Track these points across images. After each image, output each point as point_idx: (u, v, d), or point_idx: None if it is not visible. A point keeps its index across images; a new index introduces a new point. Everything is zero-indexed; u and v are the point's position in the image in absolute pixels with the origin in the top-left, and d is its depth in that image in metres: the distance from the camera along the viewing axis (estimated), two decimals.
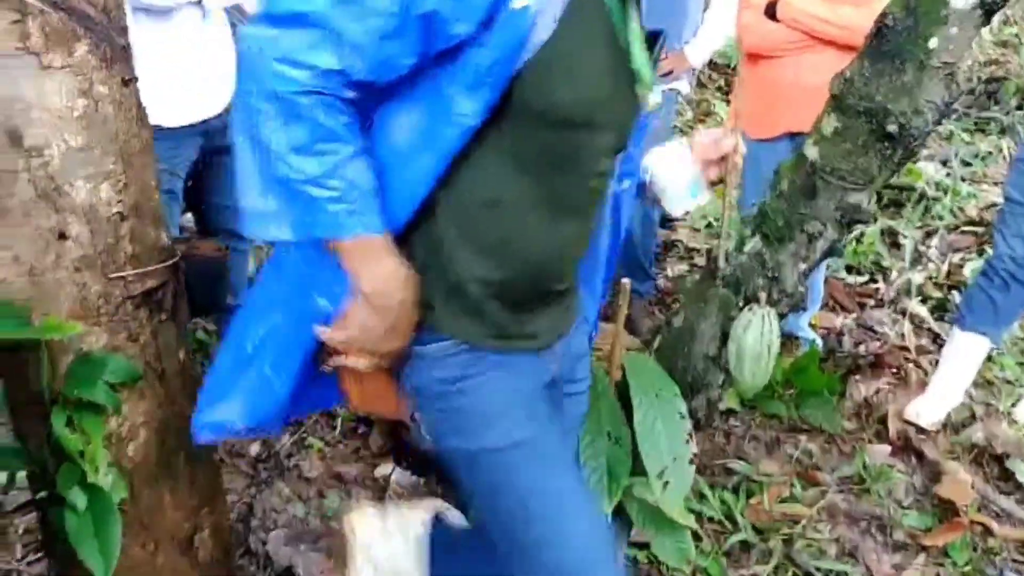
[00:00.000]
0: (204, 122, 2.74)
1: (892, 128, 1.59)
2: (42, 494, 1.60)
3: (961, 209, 4.69)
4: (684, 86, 3.55)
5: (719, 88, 6.07)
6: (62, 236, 1.48)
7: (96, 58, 1.44)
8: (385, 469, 2.85)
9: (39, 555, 2.41)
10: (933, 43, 1.57)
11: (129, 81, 1.52)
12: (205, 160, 2.82)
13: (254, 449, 2.90)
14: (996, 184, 4.88)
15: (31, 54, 1.38)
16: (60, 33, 1.39)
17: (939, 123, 1.48)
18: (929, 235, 4.45)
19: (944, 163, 5.03)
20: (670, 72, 3.39)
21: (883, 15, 1.62)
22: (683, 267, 4.25)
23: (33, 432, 1.61)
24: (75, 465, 1.54)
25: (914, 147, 1.63)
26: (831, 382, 3.21)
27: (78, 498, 1.52)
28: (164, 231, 1.63)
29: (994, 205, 4.61)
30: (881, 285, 4.14)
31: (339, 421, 3.04)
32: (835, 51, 2.98)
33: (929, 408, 3.05)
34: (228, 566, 1.88)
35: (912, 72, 1.59)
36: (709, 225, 4.45)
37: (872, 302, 4.03)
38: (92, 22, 1.43)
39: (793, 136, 3.09)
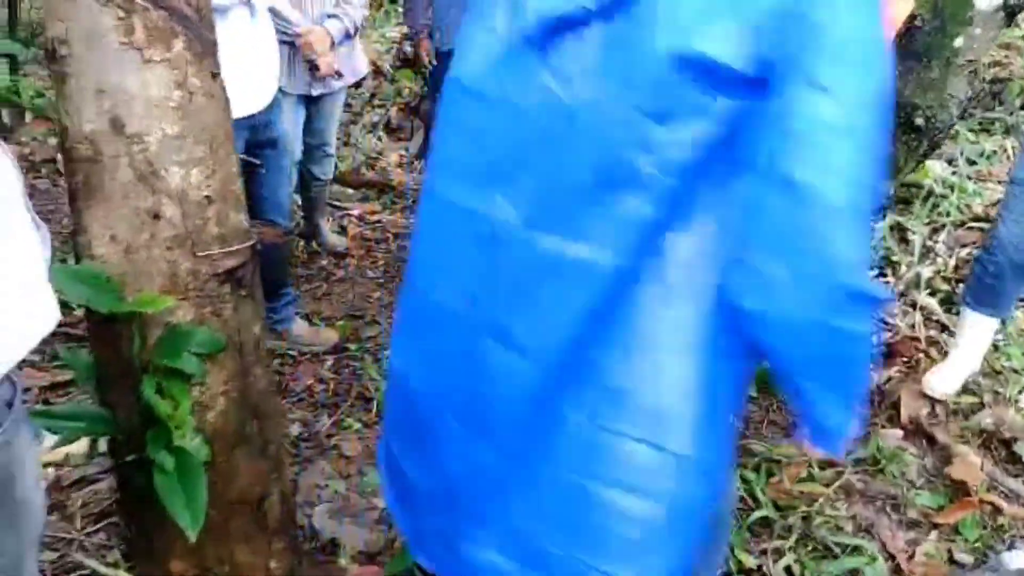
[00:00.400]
0: (251, 117, 2.87)
1: (919, 121, 1.71)
2: (131, 457, 1.72)
3: (967, 206, 4.82)
4: None
5: None
6: (156, 217, 1.60)
7: (191, 53, 1.57)
8: None
9: (97, 526, 2.54)
10: (958, 42, 1.70)
11: (216, 75, 1.65)
12: (249, 153, 2.95)
13: (295, 430, 3.02)
14: (1000, 182, 5.00)
15: (135, 49, 1.50)
16: (160, 30, 1.52)
17: (962, 117, 1.60)
18: (936, 231, 4.58)
19: (950, 162, 5.16)
20: None
21: (912, 16, 1.75)
22: None
23: (119, 401, 1.74)
24: (163, 429, 1.66)
25: (939, 139, 1.76)
26: None
27: (166, 459, 1.64)
28: (244, 215, 1.75)
29: (999, 202, 4.74)
30: (891, 279, 4.27)
31: (375, 404, 3.16)
32: None
33: (943, 379, 3.21)
34: (292, 530, 2.01)
35: (938, 69, 1.71)
36: None
37: None
38: (188, 20, 1.56)
39: None
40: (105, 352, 1.71)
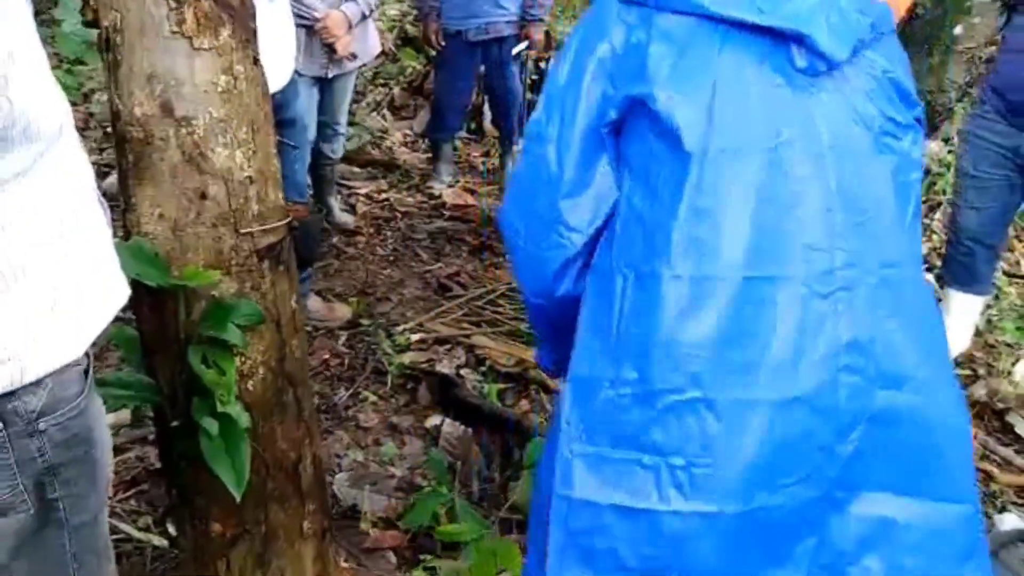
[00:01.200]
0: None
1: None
2: (175, 423, 1.82)
3: None
4: None
5: None
6: (203, 196, 1.70)
7: (235, 40, 1.66)
8: (435, 420, 3.08)
9: (128, 493, 2.65)
10: (958, 31, 1.79)
11: (257, 60, 1.74)
12: None
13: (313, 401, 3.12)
14: None
15: (185, 37, 1.59)
16: (209, 19, 1.61)
17: (960, 100, 1.70)
18: (933, 209, 4.69)
19: (947, 141, 5.25)
20: None
21: (914, 4, 1.84)
22: None
23: (164, 370, 1.84)
24: (208, 396, 1.76)
25: (938, 122, 1.86)
26: None
27: (212, 425, 1.74)
28: (281, 193, 1.84)
29: None
30: None
31: (389, 378, 3.27)
32: None
33: None
34: (324, 493, 2.11)
35: (938, 55, 1.81)
36: None
37: None
38: (233, 9, 1.64)
39: None
40: (152, 324, 1.80)
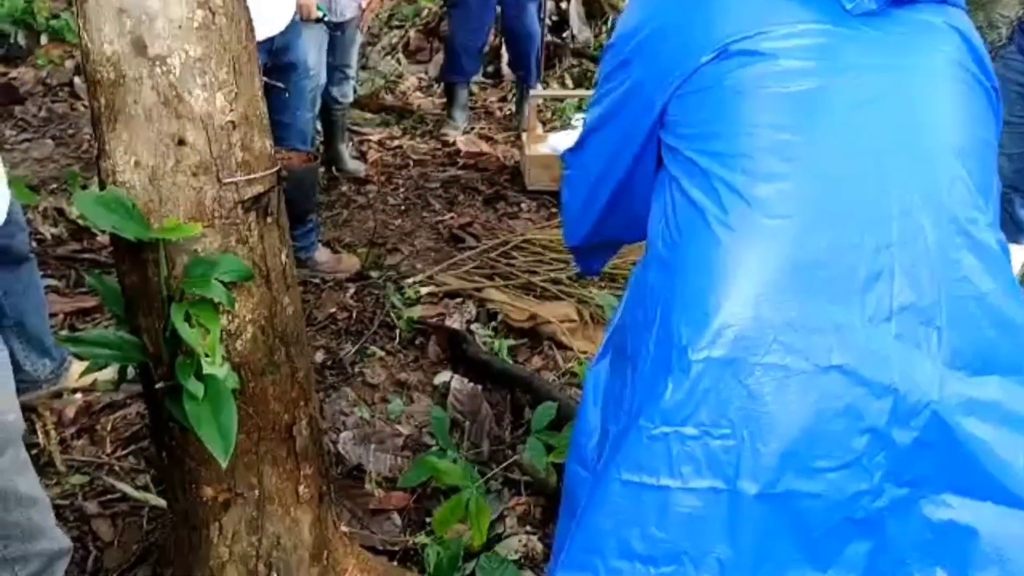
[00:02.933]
0: (269, 40, 2.81)
1: None
2: (160, 384, 1.72)
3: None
4: None
5: None
6: (181, 143, 1.57)
7: None
8: (444, 376, 2.98)
9: (127, 450, 2.57)
10: None
11: None
12: (268, 78, 2.90)
13: (319, 357, 3.03)
14: None
15: None
16: None
17: (1011, 39, 1.54)
18: None
19: None
20: None
21: None
22: None
23: (148, 327, 1.73)
24: (192, 357, 1.66)
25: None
26: None
27: (196, 387, 1.64)
28: (268, 140, 1.71)
29: None
30: None
31: (398, 332, 3.16)
32: None
33: None
34: (320, 456, 2.01)
35: None
36: None
37: None
38: None
39: None
40: (132, 279, 1.69)
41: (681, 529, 1.18)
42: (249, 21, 1.64)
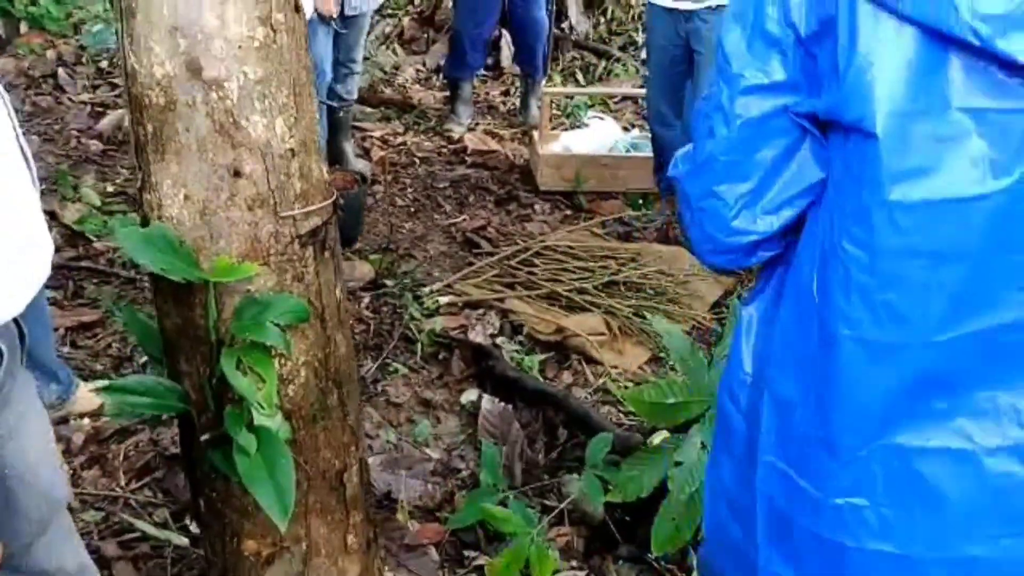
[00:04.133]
0: None
1: None
2: (205, 436, 1.56)
3: None
4: None
5: None
6: (237, 174, 1.41)
7: None
8: (471, 395, 2.84)
9: (142, 481, 2.41)
10: None
11: (299, 7, 1.43)
12: None
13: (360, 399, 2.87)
14: None
15: None
16: None
17: None
18: None
19: None
20: None
21: None
22: None
23: (190, 372, 1.57)
24: (241, 406, 1.51)
25: None
26: None
27: (248, 441, 1.49)
28: (324, 165, 1.56)
29: None
30: None
31: (419, 346, 3.02)
32: None
33: None
34: (370, 501, 1.87)
35: None
36: None
37: None
38: None
39: None
40: (176, 322, 1.53)
41: None
42: (307, 34, 1.48)
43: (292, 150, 1.45)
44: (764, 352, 1.20)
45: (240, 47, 1.35)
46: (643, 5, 6.09)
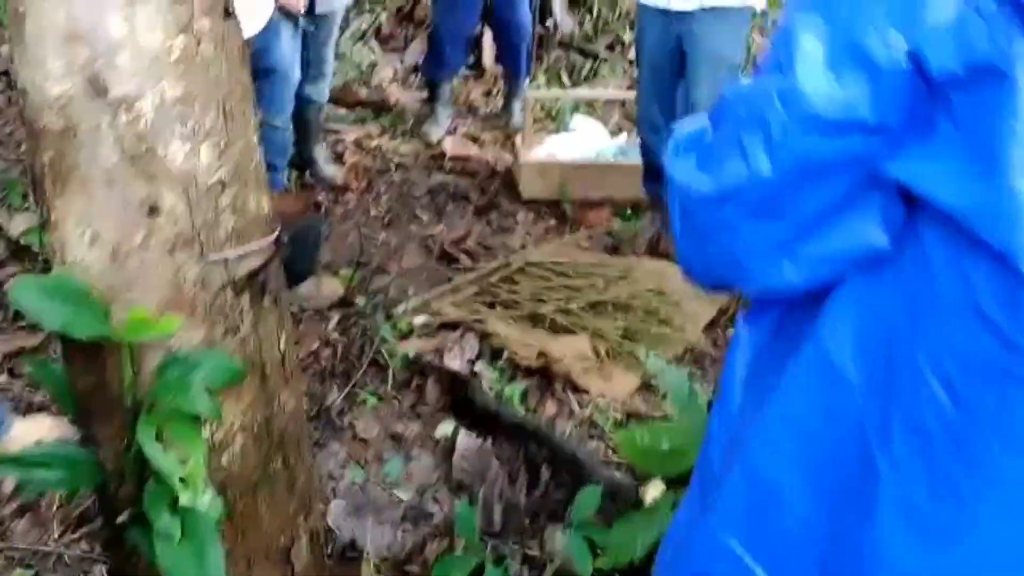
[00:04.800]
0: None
1: None
2: (121, 518, 1.33)
3: None
4: (760, 2, 3.22)
5: None
6: (153, 210, 1.18)
7: None
8: (446, 427, 2.61)
9: (78, 533, 2.17)
10: None
11: (231, 12, 1.20)
12: None
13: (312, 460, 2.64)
14: None
15: None
16: None
17: None
18: None
19: None
20: None
21: None
22: None
23: (107, 438, 1.34)
24: (165, 485, 1.27)
25: None
26: None
27: (171, 526, 1.26)
28: (265, 196, 1.33)
29: None
30: None
31: (391, 372, 2.79)
32: None
33: None
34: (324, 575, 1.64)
35: None
36: None
37: None
38: None
39: None
40: (87, 381, 1.30)
41: None
42: (243, 45, 1.24)
43: (222, 181, 1.22)
44: (748, 406, 0.97)
45: (154, 60, 1.11)
46: (631, 4, 5.88)
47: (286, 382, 1.43)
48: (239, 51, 1.22)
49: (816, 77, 0.71)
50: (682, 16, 3.12)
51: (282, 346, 1.41)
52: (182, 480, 1.24)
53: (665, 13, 3.17)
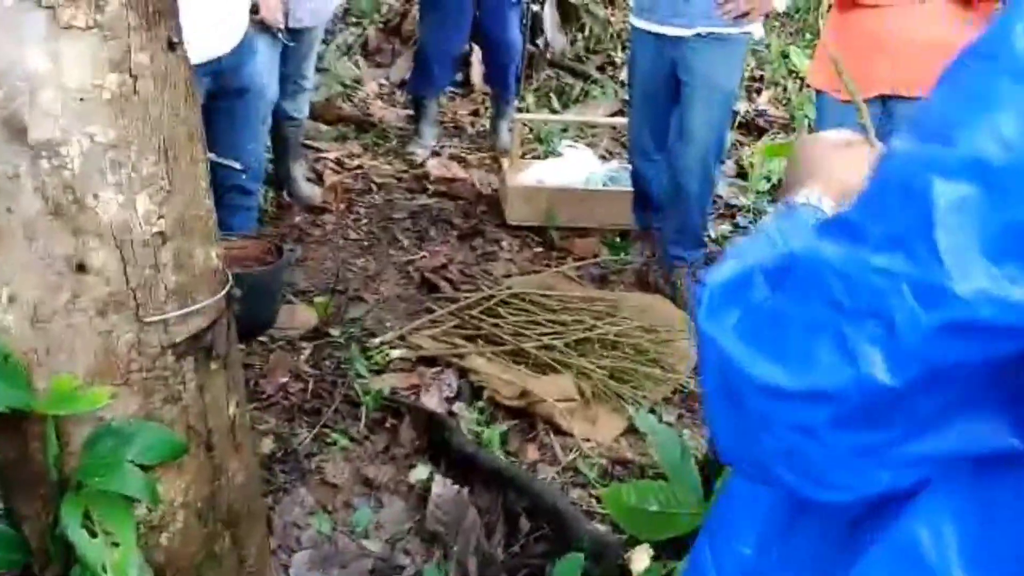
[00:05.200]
0: (215, 61, 2.26)
1: None
2: None
3: None
4: (758, 30, 3.10)
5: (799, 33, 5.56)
6: (81, 268, 1.03)
7: (135, 13, 0.98)
8: (421, 472, 2.46)
9: None
10: None
11: (176, 44, 1.06)
12: (213, 104, 2.34)
13: (267, 445, 2.49)
14: None
15: (43, 7, 0.91)
16: None
17: None
18: None
19: None
20: (746, 14, 2.95)
21: None
22: (726, 227, 3.85)
23: (32, 516, 1.19)
24: (90, 571, 1.13)
25: None
26: None
27: None
28: (214, 248, 1.18)
29: None
30: None
31: (364, 410, 2.64)
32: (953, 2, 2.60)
33: None
34: None
35: None
36: (775, 186, 4.00)
37: None
38: None
39: (885, 100, 2.68)
40: (8, 455, 1.15)
41: None
42: (190, 79, 1.10)
43: (162, 234, 1.08)
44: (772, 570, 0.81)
45: (82, 100, 0.97)
46: (624, 23, 5.78)
47: (236, 451, 1.28)
48: (185, 87, 1.08)
49: (974, 271, 0.52)
50: (677, 42, 3.01)
51: (231, 412, 1.26)
52: (104, 570, 1.09)
53: (659, 37, 3.05)
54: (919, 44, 2.62)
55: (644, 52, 3.14)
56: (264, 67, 2.88)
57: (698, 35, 2.97)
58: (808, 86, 4.12)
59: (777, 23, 5.70)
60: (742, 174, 4.20)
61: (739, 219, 3.92)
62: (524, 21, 4.31)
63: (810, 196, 0.81)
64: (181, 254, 1.11)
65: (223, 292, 1.19)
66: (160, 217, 1.07)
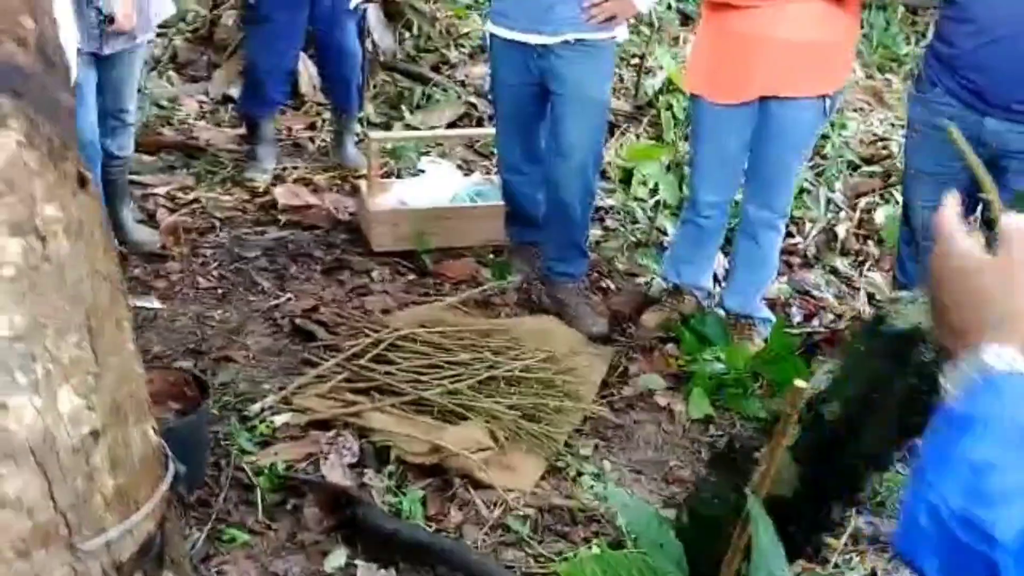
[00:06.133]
0: None
1: None
2: None
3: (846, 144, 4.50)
4: (623, 33, 2.99)
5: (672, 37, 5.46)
6: None
7: (37, 154, 0.70)
8: (337, 559, 2.19)
9: None
10: None
11: (86, 180, 0.78)
12: None
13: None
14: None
15: None
16: None
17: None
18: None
19: None
20: (612, 17, 2.82)
21: None
22: (597, 231, 3.74)
23: None
24: None
25: None
26: (800, 369, 2.88)
27: None
28: (149, 421, 0.91)
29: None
30: (799, 239, 3.87)
31: (259, 494, 2.33)
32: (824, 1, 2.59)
33: None
34: None
35: None
36: (654, 191, 3.91)
37: (798, 260, 3.77)
38: (23, 77, 0.68)
39: (764, 100, 2.64)
40: None
41: None
42: (104, 222, 0.82)
43: (95, 432, 0.80)
44: None
45: None
46: (449, 17, 5.58)
47: None
48: (101, 232, 0.80)
49: None
50: (543, 51, 2.84)
51: None
52: None
53: (524, 46, 2.87)
54: (794, 44, 2.61)
55: (508, 63, 2.95)
56: (86, 118, 2.51)
57: (566, 43, 2.81)
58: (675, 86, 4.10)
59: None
60: (604, 174, 4.10)
61: (608, 222, 3.82)
62: (362, 23, 4.02)
63: (1002, 355, 0.66)
64: (117, 448, 0.84)
65: (168, 477, 0.92)
66: (90, 409, 0.79)
